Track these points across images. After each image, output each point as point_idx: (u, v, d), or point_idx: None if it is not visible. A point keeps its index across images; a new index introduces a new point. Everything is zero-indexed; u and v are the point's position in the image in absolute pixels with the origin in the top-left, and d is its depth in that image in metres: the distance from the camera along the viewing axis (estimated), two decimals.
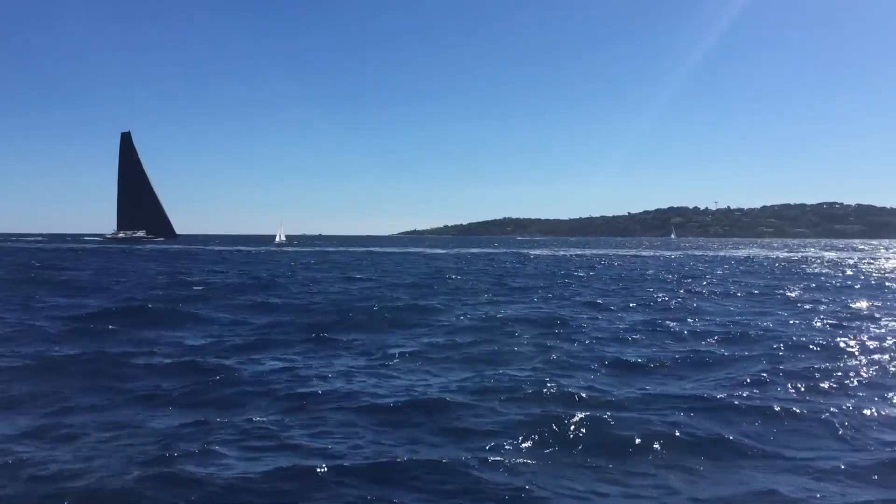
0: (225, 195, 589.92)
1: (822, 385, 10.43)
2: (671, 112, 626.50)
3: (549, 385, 10.20)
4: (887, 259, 67.78)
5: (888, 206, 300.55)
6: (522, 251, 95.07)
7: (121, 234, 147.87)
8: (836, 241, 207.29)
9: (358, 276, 36.38)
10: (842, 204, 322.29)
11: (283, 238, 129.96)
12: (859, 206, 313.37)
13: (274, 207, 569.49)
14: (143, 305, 20.05)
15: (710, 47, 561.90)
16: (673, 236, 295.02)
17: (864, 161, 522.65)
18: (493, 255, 78.95)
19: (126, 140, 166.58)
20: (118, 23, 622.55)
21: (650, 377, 11.32)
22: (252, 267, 46.49)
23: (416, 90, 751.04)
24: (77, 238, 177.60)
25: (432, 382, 10.69)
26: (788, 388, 10.20)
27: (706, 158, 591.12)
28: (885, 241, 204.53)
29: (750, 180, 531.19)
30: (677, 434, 8.09)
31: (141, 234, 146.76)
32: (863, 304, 22.56)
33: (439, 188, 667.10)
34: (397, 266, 50.40)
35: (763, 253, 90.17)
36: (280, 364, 11.83)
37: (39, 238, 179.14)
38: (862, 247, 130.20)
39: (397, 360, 12.31)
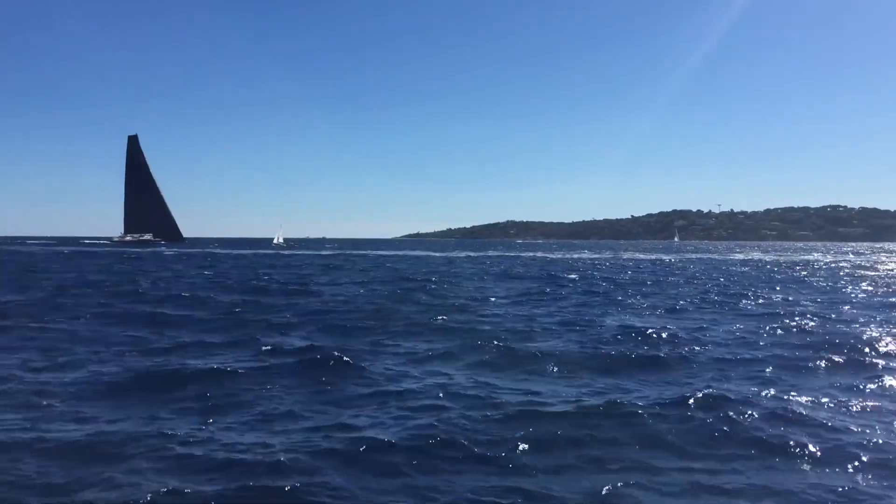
0: (232, 198, 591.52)
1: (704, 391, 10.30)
2: (674, 114, 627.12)
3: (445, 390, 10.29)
4: (882, 263, 67.40)
5: (892, 210, 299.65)
6: (521, 254, 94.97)
7: (128, 238, 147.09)
8: (839, 245, 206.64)
9: (342, 280, 36.32)
10: (846, 207, 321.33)
11: (282, 240, 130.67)
12: (863, 209, 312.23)
13: (279, 210, 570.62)
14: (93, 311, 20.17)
15: (712, 48, 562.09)
16: (676, 239, 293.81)
17: (869, 164, 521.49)
18: (485, 258, 78.83)
19: (133, 143, 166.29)
20: (119, 24, 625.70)
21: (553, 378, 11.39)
22: (240, 270, 46.51)
23: (420, 92, 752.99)
24: (76, 241, 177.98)
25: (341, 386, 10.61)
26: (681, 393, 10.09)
27: (709, 161, 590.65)
28: (889, 245, 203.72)
29: (753, 183, 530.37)
30: (543, 436, 8.19)
31: (148, 237, 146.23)
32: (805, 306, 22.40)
33: (443, 191, 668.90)
34: (382, 268, 50.32)
35: (758, 256, 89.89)
36: (185, 368, 11.81)
37: (41, 241, 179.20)
38: (865, 251, 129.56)
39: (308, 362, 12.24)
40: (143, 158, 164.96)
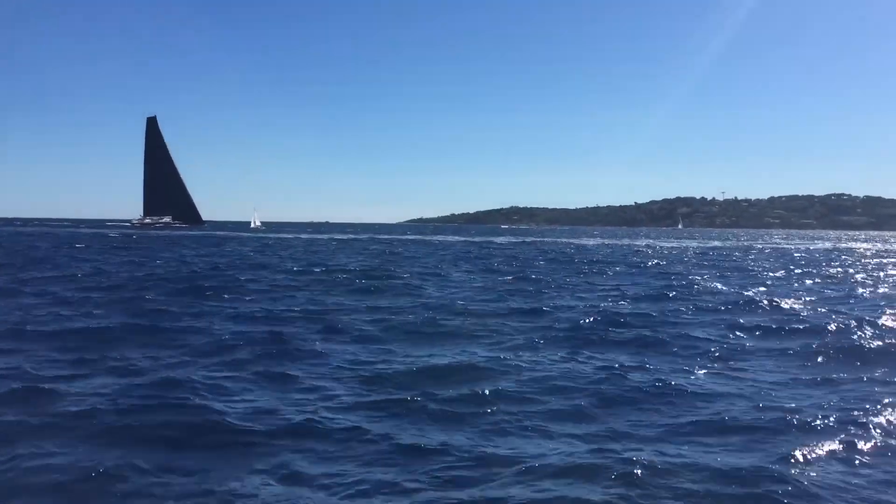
0: (236, 183, 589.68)
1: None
2: (680, 103, 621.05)
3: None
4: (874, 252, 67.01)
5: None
6: (490, 239, 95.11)
7: (147, 220, 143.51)
8: (842, 233, 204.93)
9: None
10: (849, 195, 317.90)
11: (259, 223, 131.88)
12: (867, 197, 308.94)
13: (287, 195, 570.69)
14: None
15: (719, 40, 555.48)
16: (680, 227, 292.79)
17: (873, 153, 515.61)
18: (451, 242, 79.01)
19: (152, 124, 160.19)
20: (128, 17, 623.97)
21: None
22: (190, 250, 47.05)
23: (425, 78, 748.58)
24: (77, 223, 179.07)
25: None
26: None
27: (714, 149, 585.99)
28: (892, 233, 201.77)
29: (757, 171, 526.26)
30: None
31: (167, 219, 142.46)
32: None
33: (447, 178, 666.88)
34: (333, 250, 50.70)
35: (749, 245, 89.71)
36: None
37: (47, 222, 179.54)
38: (874, 240, 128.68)
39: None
40: (163, 140, 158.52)
